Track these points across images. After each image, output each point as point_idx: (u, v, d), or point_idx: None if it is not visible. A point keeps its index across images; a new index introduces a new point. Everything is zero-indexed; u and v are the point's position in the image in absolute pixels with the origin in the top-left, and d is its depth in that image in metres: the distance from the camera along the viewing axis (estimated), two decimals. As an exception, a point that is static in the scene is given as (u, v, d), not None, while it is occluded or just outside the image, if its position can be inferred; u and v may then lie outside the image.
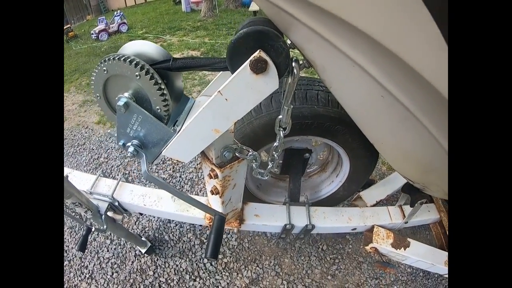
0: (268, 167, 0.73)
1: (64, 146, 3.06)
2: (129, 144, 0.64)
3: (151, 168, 2.39)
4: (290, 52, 0.46)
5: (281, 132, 0.62)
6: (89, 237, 1.29)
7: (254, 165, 0.70)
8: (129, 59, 0.53)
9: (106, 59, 0.55)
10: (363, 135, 0.80)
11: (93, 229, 1.19)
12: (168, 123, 0.61)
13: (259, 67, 0.40)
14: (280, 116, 0.59)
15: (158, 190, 1.17)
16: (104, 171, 2.52)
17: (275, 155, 0.70)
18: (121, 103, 0.56)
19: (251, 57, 0.40)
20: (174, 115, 0.64)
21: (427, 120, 0.49)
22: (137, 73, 0.54)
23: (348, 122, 0.87)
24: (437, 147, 0.56)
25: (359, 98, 0.53)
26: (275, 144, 0.67)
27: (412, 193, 1.15)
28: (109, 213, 1.21)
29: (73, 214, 1.19)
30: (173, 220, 1.90)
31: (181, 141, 0.58)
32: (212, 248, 0.65)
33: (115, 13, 9.86)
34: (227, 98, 0.45)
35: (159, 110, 0.58)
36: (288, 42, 0.47)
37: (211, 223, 1.03)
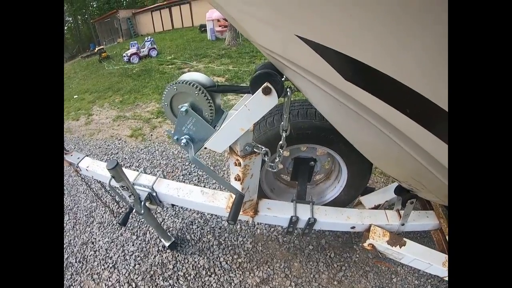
0: (276, 160, 1.08)
1: (98, 154, 3.52)
2: (182, 138, 1.02)
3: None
4: (287, 82, 0.84)
5: (284, 133, 0.98)
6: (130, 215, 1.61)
7: (266, 158, 1.06)
8: (192, 84, 0.92)
9: (177, 82, 0.94)
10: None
11: (134, 210, 1.55)
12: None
13: (267, 92, 0.78)
14: (283, 123, 0.96)
15: (190, 185, 1.53)
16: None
17: (281, 151, 1.05)
18: (183, 109, 0.94)
19: (263, 86, 0.79)
20: (214, 121, 1.01)
21: (374, 120, 0.76)
22: (196, 92, 0.92)
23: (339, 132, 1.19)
24: (394, 144, 0.84)
25: (328, 109, 0.87)
26: (280, 142, 1.02)
27: (403, 194, 1.35)
28: (146, 203, 1.57)
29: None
30: (195, 223, 2.24)
31: (219, 136, 0.95)
32: (232, 214, 0.99)
33: (146, 38, 10.86)
34: (249, 109, 0.83)
35: (207, 116, 0.96)
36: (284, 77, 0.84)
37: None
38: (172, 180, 2.75)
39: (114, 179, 1.28)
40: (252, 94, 0.82)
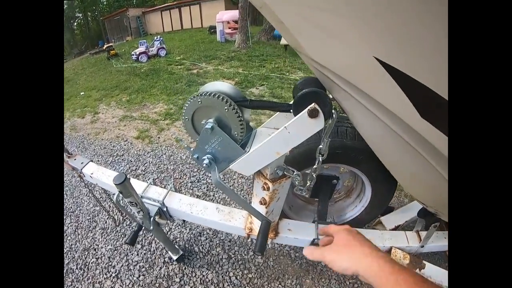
0: (307, 184, 0.95)
1: (103, 155, 3.39)
2: (204, 157, 0.89)
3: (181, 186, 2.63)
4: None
5: (320, 157, 0.85)
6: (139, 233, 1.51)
7: (297, 182, 0.93)
8: (221, 97, 0.77)
9: (202, 94, 0.80)
10: (383, 165, 1.00)
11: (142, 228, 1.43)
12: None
13: (314, 114, 0.65)
14: (321, 146, 0.83)
15: (204, 201, 1.39)
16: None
17: (314, 175, 0.92)
18: (208, 126, 0.81)
19: (309, 107, 0.65)
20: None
21: (424, 152, 0.68)
22: (225, 108, 0.78)
23: (370, 153, 1.07)
24: (436, 173, 0.74)
25: (374, 135, 0.75)
26: (314, 166, 0.89)
27: (427, 218, 1.28)
28: (156, 218, 1.44)
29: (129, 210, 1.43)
30: (203, 234, 2.11)
31: (249, 159, 0.82)
32: (260, 245, 0.86)
33: (155, 37, 10.68)
34: (290, 131, 0.69)
35: (236, 135, 0.83)
36: (330, 96, 0.72)
37: (249, 233, 1.25)
38: (180, 186, 2.65)
39: (121, 194, 1.15)
40: (295, 115, 0.69)
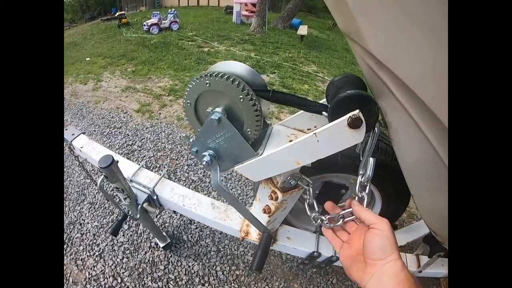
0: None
1: (101, 125, 3.22)
2: (205, 153, 0.73)
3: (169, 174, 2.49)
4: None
5: (360, 178, 0.64)
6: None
7: (308, 194, 0.77)
8: (237, 82, 0.60)
9: (212, 74, 0.62)
10: (399, 184, 0.87)
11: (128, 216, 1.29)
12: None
13: (355, 124, 0.48)
14: (361, 169, 0.64)
15: (198, 194, 1.24)
16: (135, 160, 2.66)
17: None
18: (215, 117, 0.63)
19: (351, 114, 0.48)
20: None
21: None
22: (241, 97, 0.61)
23: (390, 170, 1.01)
24: None
25: (415, 159, 0.60)
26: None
27: (432, 245, 1.20)
28: (144, 205, 1.30)
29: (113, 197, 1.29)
30: (194, 223, 1.98)
31: (261, 164, 0.65)
32: (258, 261, 0.72)
33: (169, 10, 10.29)
34: (319, 140, 0.53)
35: (249, 132, 0.65)
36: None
37: (245, 237, 1.11)
38: (175, 168, 2.50)
39: (107, 179, 1.00)
40: (330, 120, 0.52)
